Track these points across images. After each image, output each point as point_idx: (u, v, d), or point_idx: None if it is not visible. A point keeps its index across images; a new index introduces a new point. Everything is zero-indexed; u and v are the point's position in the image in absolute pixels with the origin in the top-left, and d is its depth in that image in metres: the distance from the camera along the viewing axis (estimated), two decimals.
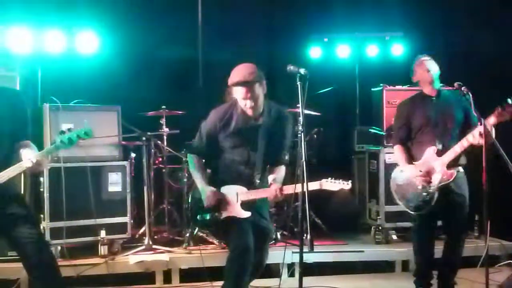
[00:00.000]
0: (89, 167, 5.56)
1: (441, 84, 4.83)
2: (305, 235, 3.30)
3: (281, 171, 3.98)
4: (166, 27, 7.20)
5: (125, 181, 5.85)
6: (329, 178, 3.62)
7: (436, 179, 4.55)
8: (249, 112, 3.79)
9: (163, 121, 6.43)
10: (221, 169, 3.95)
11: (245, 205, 3.86)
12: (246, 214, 3.85)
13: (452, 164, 4.55)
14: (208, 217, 3.91)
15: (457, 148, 4.48)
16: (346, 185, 3.60)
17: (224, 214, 3.87)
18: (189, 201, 4.08)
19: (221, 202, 3.86)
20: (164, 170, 6.45)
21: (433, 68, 4.70)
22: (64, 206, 5.35)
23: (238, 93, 3.74)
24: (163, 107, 6.42)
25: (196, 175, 3.95)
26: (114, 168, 5.83)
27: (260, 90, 3.74)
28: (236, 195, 3.87)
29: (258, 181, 3.89)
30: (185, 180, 6.23)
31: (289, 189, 3.64)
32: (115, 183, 5.79)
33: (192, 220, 4.13)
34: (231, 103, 3.90)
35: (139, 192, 6.19)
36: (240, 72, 3.70)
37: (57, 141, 3.53)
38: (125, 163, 5.92)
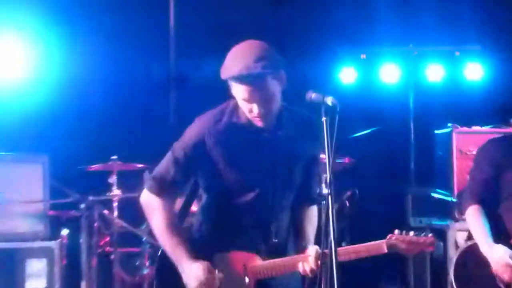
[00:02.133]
0: None
1: None
2: None
3: (313, 217, 3.81)
4: (123, 38, 7.30)
5: (52, 272, 5.77)
6: (398, 232, 3.60)
7: None
8: (257, 122, 3.56)
9: (113, 179, 6.41)
10: (211, 221, 3.73)
11: (261, 285, 3.61)
12: None
13: None
14: None
15: None
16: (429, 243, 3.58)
17: None
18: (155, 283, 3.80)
19: (218, 285, 3.56)
20: (113, 256, 6.39)
21: None
22: None
23: (238, 92, 3.47)
24: (114, 157, 6.41)
25: (165, 234, 3.63)
26: (36, 252, 5.77)
27: (275, 86, 3.48)
28: (243, 269, 3.61)
29: (275, 239, 3.69)
30: (145, 271, 6.14)
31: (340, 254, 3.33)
32: (36, 275, 5.71)
33: None
34: (225, 107, 3.66)
35: None
36: (241, 56, 3.42)
37: None
38: (53, 244, 5.86)
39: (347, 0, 8.01)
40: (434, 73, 8.13)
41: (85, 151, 6.72)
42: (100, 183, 6.47)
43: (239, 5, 7.61)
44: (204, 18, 7.50)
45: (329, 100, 3.28)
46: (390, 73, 8.17)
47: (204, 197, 3.76)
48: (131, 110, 7.36)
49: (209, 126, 3.59)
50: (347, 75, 8.18)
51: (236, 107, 3.60)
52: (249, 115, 3.52)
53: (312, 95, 3.35)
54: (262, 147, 3.61)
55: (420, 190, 7.16)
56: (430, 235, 3.61)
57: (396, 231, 3.60)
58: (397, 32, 8.02)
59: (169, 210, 3.69)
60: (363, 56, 8.16)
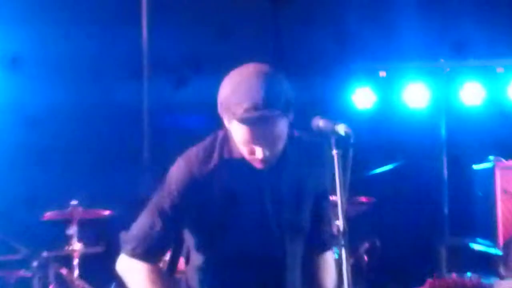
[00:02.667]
0: None
1: None
2: None
3: (328, 266, 3.83)
4: (87, 58, 7.35)
5: None
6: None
7: None
8: (257, 163, 3.57)
9: (73, 229, 6.35)
10: (207, 280, 3.70)
11: None
12: None
13: None
14: None
15: None
16: None
17: None
18: None
19: None
20: None
21: None
22: None
23: (239, 132, 3.47)
24: (74, 203, 6.36)
25: None
26: None
27: (284, 125, 3.48)
28: None
29: None
30: None
31: None
32: None
33: None
34: (213, 139, 3.66)
35: None
36: (246, 89, 3.39)
37: None
38: None
39: (361, 6, 8.02)
40: (471, 94, 8.11)
41: (38, 195, 6.70)
42: (56, 235, 6.44)
43: (236, 13, 7.65)
44: (180, 43, 7.51)
45: (341, 129, 3.24)
46: (416, 95, 8.16)
47: (197, 257, 3.70)
48: (95, 144, 7.36)
49: (198, 165, 3.56)
50: (363, 97, 8.18)
51: (226, 138, 3.59)
52: (248, 157, 3.50)
53: (320, 123, 3.32)
54: (264, 186, 3.61)
55: (456, 240, 7.16)
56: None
57: (435, 276, 3.58)
58: (425, 44, 8.06)
59: (161, 278, 3.65)
60: (382, 74, 8.18)
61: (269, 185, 3.60)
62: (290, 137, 3.59)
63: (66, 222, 6.39)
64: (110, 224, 6.43)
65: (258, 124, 3.38)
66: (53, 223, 6.46)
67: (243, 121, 3.37)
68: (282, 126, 3.44)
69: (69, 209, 6.35)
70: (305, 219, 3.69)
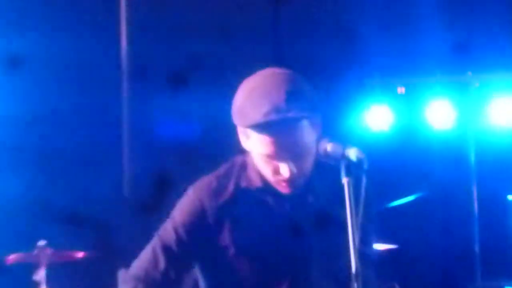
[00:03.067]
0: None
1: None
2: None
3: None
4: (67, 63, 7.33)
5: None
6: None
7: None
8: (283, 187, 3.57)
9: (41, 274, 6.34)
10: None
11: None
12: None
13: None
14: None
15: None
16: None
17: None
18: None
19: None
20: None
21: None
22: None
23: (260, 145, 3.48)
24: (42, 243, 6.35)
25: None
26: None
27: (311, 136, 3.47)
28: None
29: None
30: None
31: None
32: None
33: None
34: (230, 167, 3.70)
35: None
36: (265, 93, 3.41)
37: None
38: None
39: (376, 11, 8.05)
40: (504, 112, 8.09)
41: (3, 233, 6.70)
42: (22, 281, 6.44)
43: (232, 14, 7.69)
44: (177, 45, 7.56)
45: (352, 154, 3.23)
46: (440, 114, 8.18)
47: None
48: (68, 169, 7.37)
49: (209, 196, 3.59)
50: (378, 117, 8.23)
51: (245, 165, 3.62)
52: (272, 178, 3.50)
53: (328, 146, 3.32)
54: (288, 221, 3.60)
55: (489, 284, 7.15)
56: None
57: None
58: (449, 55, 8.08)
59: None
60: (401, 90, 8.20)
61: (295, 220, 3.61)
62: (317, 164, 3.59)
63: (33, 266, 6.37)
64: (86, 267, 6.41)
65: (280, 131, 3.38)
66: (18, 267, 6.44)
67: (262, 128, 3.38)
68: (310, 136, 3.44)
69: (36, 251, 6.34)
70: (338, 261, 3.55)
